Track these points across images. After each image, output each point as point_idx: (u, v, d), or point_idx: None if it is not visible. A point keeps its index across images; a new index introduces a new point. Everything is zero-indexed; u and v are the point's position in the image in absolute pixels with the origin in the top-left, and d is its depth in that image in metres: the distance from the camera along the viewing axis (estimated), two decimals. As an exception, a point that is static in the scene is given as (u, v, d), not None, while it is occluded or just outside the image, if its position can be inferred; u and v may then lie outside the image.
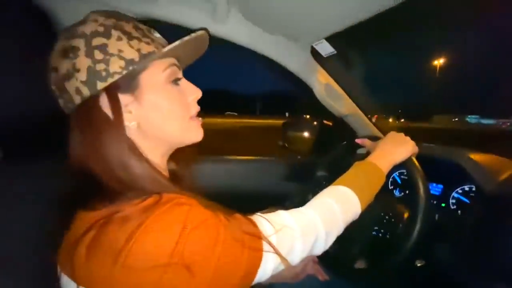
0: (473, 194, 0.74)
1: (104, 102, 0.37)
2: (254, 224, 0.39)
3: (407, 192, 0.89)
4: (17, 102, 0.51)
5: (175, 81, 0.42)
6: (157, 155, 0.43)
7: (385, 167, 0.57)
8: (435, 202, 0.81)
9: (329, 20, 0.67)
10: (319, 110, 0.96)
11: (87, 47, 0.35)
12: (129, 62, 0.36)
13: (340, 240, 0.73)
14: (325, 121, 1.15)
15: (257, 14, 0.69)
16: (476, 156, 0.76)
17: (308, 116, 1.27)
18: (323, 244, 0.46)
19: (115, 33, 0.36)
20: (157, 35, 0.42)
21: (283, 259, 0.39)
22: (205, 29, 0.44)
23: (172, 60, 0.42)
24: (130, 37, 0.37)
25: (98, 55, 0.35)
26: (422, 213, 0.57)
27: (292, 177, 1.11)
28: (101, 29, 0.36)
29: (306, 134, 1.23)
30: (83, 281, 0.32)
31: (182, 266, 0.30)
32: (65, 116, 0.39)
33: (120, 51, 0.36)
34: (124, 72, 0.36)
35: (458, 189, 0.77)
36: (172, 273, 0.30)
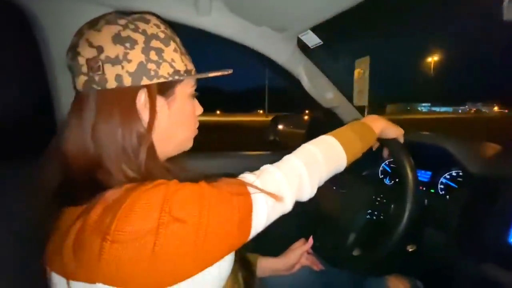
0: (460, 179, 0.76)
1: (140, 97, 0.39)
2: (237, 179, 0.42)
3: (397, 180, 0.90)
4: (3, 101, 0.49)
5: (193, 96, 0.47)
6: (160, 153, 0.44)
7: (376, 126, 0.58)
8: (424, 188, 0.82)
9: (314, 9, 0.67)
10: (308, 102, 0.96)
11: (145, 45, 0.38)
12: (176, 72, 0.41)
13: (336, 229, 0.74)
14: (315, 115, 1.15)
15: (241, 5, 0.68)
16: (461, 141, 0.77)
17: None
18: (308, 187, 0.46)
19: (173, 44, 0.41)
20: None
21: (272, 195, 0.40)
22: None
23: (196, 80, 0.47)
24: (182, 52, 0.42)
25: (153, 55, 0.38)
26: (412, 194, 0.58)
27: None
28: (162, 35, 0.40)
29: (296, 128, 1.24)
30: (74, 274, 0.30)
31: (173, 221, 0.30)
32: (48, 115, 0.39)
33: (173, 60, 0.40)
34: (170, 78, 0.40)
35: (446, 174, 0.79)
36: (164, 233, 0.29)
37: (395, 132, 0.63)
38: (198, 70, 0.47)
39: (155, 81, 0.39)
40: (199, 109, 0.49)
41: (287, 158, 0.48)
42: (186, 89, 0.44)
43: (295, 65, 0.85)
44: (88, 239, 0.29)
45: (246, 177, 0.43)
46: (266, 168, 0.46)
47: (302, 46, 0.84)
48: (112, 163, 0.36)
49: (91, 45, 0.36)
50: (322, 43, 0.80)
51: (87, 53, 0.36)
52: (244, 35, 0.74)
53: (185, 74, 0.42)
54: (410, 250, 0.69)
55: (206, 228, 0.32)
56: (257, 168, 0.46)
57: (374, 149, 0.67)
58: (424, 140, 0.82)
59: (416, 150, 0.64)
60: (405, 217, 0.57)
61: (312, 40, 0.79)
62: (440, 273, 0.73)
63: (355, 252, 0.67)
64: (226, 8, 0.69)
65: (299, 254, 0.71)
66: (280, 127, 1.26)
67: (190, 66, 0.44)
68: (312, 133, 1.16)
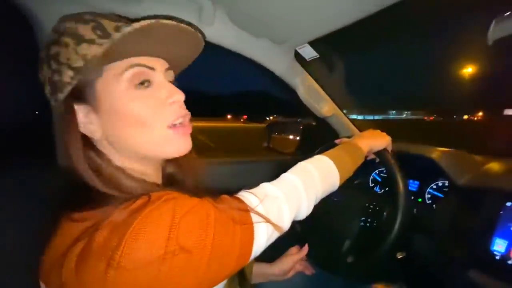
0: (446, 189, 0.80)
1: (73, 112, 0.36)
2: (240, 200, 0.40)
3: (386, 188, 0.94)
4: (5, 103, 0.49)
5: (143, 84, 0.37)
6: (137, 164, 0.40)
7: (364, 145, 0.61)
8: (412, 197, 0.85)
9: (312, 25, 0.69)
10: (303, 111, 0.98)
11: (47, 57, 0.35)
12: (77, 71, 0.34)
13: (330, 236, 0.75)
14: (308, 122, 1.18)
15: (243, 17, 0.70)
16: (447, 153, 0.82)
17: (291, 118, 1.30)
18: (306, 206, 0.46)
19: (63, 39, 0.34)
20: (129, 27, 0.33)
21: (274, 225, 0.39)
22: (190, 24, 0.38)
23: (135, 60, 0.36)
24: (78, 41, 0.33)
25: (53, 65, 0.34)
26: (403, 201, 0.61)
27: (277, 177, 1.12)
28: (55, 36, 0.35)
29: (290, 135, 1.26)
30: None
31: (179, 251, 0.30)
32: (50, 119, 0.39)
33: (68, 59, 0.33)
34: (74, 82, 0.34)
35: (432, 184, 0.83)
36: (170, 261, 0.29)
37: (383, 143, 0.66)
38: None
39: (65, 91, 0.34)
40: (169, 94, 0.38)
41: (286, 177, 0.47)
42: (112, 80, 0.35)
43: (292, 76, 0.88)
44: (94, 262, 0.28)
45: (249, 198, 0.40)
46: (267, 189, 0.44)
47: (299, 58, 0.87)
48: (83, 175, 0.35)
49: None
50: (318, 56, 0.84)
51: None
52: (243, 46, 0.76)
53: (88, 65, 0.33)
54: (400, 257, 0.72)
55: (209, 258, 0.32)
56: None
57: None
58: (412, 151, 0.86)
59: (404, 160, 0.67)
60: (396, 226, 0.59)
61: (309, 53, 0.82)
62: (427, 279, 0.76)
63: (349, 259, 0.69)
64: (228, 19, 0.70)
65: (293, 261, 0.73)
66: (274, 134, 1.28)
67: (97, 51, 0.33)
68: (305, 140, 1.19)
